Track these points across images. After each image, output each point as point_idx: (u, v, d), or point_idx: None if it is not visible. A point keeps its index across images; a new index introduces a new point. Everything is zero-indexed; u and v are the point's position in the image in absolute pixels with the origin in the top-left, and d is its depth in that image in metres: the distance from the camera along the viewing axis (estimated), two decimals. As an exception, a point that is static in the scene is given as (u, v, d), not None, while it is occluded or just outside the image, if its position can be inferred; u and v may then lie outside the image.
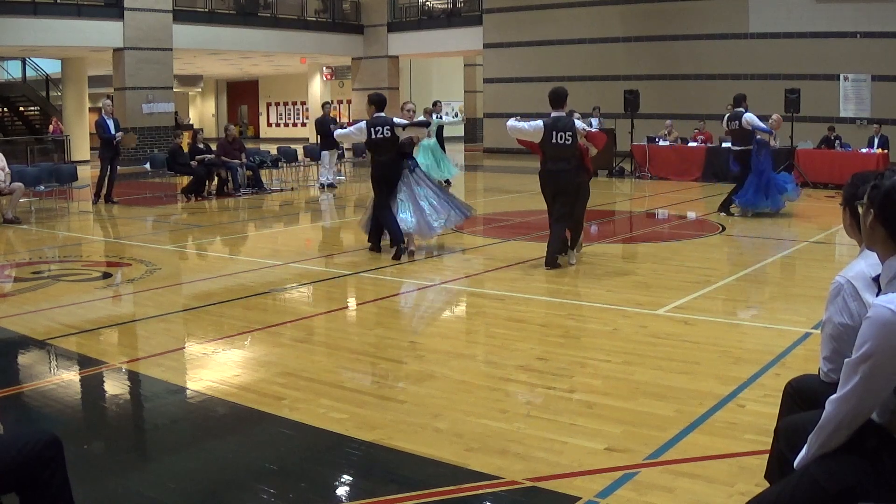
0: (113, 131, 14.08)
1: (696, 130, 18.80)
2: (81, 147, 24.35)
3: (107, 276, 8.39)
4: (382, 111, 9.03)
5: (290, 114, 42.91)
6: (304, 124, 39.03)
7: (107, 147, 14.15)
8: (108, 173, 14.24)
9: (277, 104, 43.43)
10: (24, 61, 27.21)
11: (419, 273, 8.26)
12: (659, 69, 23.15)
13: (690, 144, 18.23)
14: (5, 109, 26.91)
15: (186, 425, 4.37)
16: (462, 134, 32.48)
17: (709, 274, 7.90)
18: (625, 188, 16.95)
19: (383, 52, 30.35)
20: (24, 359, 5.60)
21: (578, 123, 8.35)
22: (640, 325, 6.02)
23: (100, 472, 3.65)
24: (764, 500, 2.36)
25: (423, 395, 4.60)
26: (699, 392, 4.54)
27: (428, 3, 31.25)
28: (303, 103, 39.28)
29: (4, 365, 5.50)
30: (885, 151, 16.03)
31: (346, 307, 7.16)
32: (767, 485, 2.81)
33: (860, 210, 2.38)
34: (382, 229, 8.98)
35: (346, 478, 3.67)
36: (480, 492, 3.42)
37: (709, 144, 17.98)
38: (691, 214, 12.91)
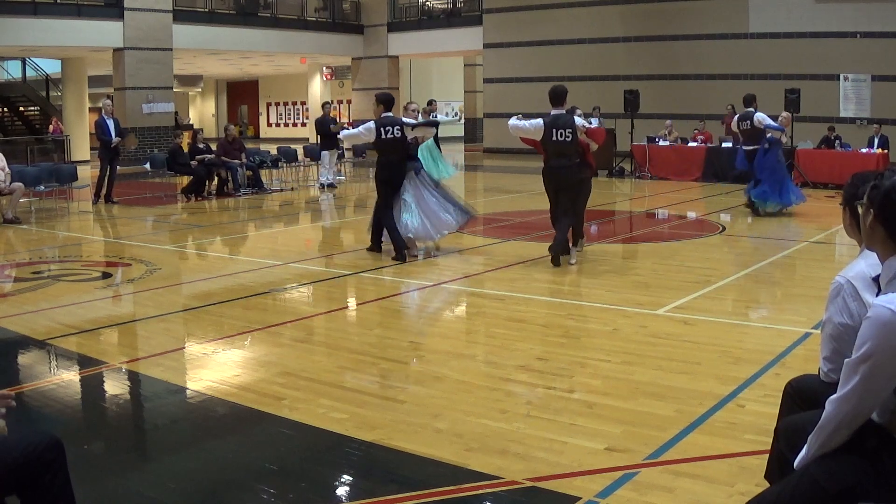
0: (113, 131, 14.09)
1: (696, 130, 18.80)
2: (81, 147, 24.35)
3: (107, 276, 8.39)
4: (391, 111, 8.88)
5: (290, 114, 42.92)
6: (304, 124, 39.04)
7: (106, 147, 14.16)
8: (108, 173, 14.24)
9: (277, 104, 43.43)
10: (24, 61, 27.21)
11: (419, 273, 8.26)
12: (659, 69, 23.16)
13: (690, 144, 18.23)
14: (5, 109, 26.92)
15: (186, 425, 4.37)
16: (462, 134, 32.49)
17: (709, 274, 7.90)
18: (625, 188, 16.95)
19: (383, 52, 30.35)
20: (24, 359, 5.60)
21: (578, 120, 8.44)
22: (640, 325, 6.02)
23: (100, 472, 3.65)
24: (764, 500, 2.36)
25: (423, 395, 4.60)
26: (699, 392, 4.54)
27: (428, 3, 31.26)
28: (303, 103, 39.28)
29: (4, 365, 5.50)
30: (885, 151, 16.03)
31: (346, 307, 7.16)
32: (767, 485, 2.82)
33: (860, 210, 2.38)
34: (383, 229, 8.96)
35: (346, 478, 3.67)
36: (480, 492, 3.42)
37: (709, 144, 17.99)
38: (691, 214, 12.91)
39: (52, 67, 27.41)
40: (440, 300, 7.47)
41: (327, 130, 16.66)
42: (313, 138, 19.83)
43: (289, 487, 3.49)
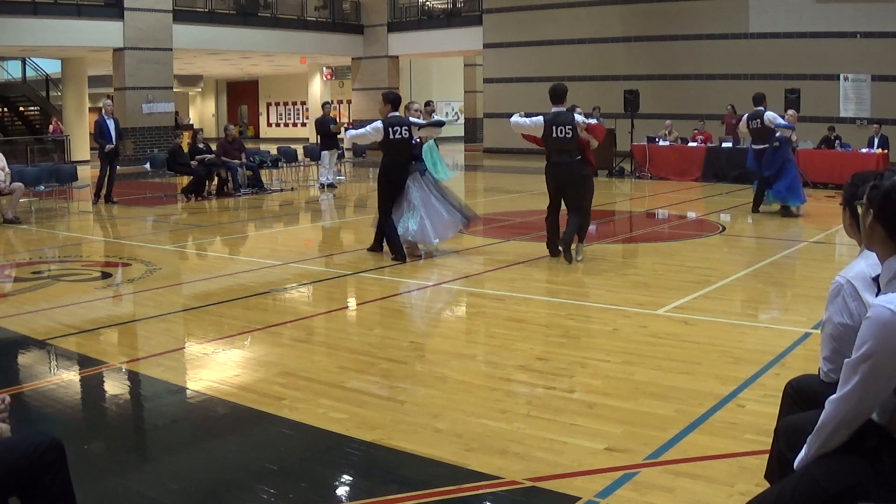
0: (113, 132, 14.08)
1: (696, 130, 18.80)
2: (81, 147, 24.36)
3: (107, 276, 8.39)
4: (397, 110, 8.77)
5: (290, 114, 42.92)
6: (304, 124, 39.04)
7: (104, 148, 14.15)
8: (108, 173, 14.24)
9: (277, 104, 43.43)
10: (24, 61, 27.21)
11: (419, 273, 8.26)
12: (659, 69, 23.16)
13: (690, 144, 18.23)
14: (5, 109, 26.92)
15: (186, 425, 4.37)
16: (462, 134, 32.50)
17: (709, 274, 7.90)
18: (625, 188, 16.95)
19: (383, 52, 30.36)
20: (24, 359, 5.60)
21: (579, 117, 8.51)
22: (641, 325, 6.02)
23: (100, 472, 3.65)
24: (764, 500, 2.36)
25: (423, 395, 4.61)
26: (699, 392, 4.54)
27: (428, 3, 31.26)
28: (303, 103, 39.28)
29: (4, 365, 5.50)
30: (885, 151, 16.03)
31: (346, 307, 7.16)
32: (767, 485, 2.82)
33: (860, 210, 2.38)
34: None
35: (346, 478, 3.67)
36: (480, 492, 3.42)
37: (709, 144, 17.99)
38: (691, 214, 12.91)
39: (52, 67, 27.41)
40: (440, 300, 7.47)
41: (327, 130, 16.66)
42: (313, 138, 19.83)
43: (289, 487, 3.49)
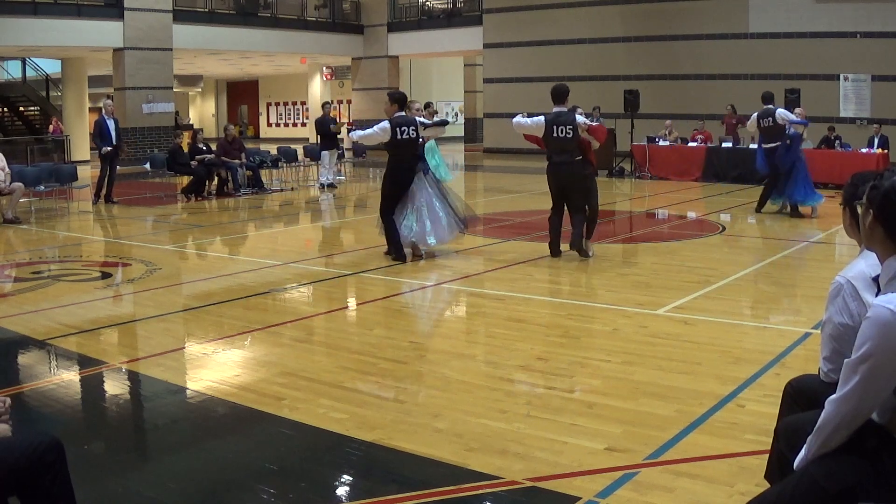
0: (113, 132, 14.09)
1: (696, 130, 18.79)
2: (81, 147, 24.35)
3: (107, 276, 8.39)
4: (403, 110, 8.68)
5: (290, 114, 42.92)
6: (304, 124, 39.03)
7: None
8: (108, 173, 14.24)
9: (277, 104, 43.43)
10: (24, 61, 27.21)
11: (419, 273, 8.26)
12: (659, 69, 23.16)
13: (690, 144, 18.23)
14: (5, 109, 26.91)
15: (186, 425, 4.37)
16: (462, 134, 32.48)
17: (709, 274, 7.90)
18: (625, 188, 16.95)
19: (383, 52, 30.36)
20: (24, 359, 5.60)
21: (580, 118, 8.53)
22: (641, 325, 6.02)
23: (100, 472, 3.65)
24: (764, 500, 2.36)
25: (423, 395, 4.61)
26: (699, 392, 4.54)
27: (428, 3, 31.26)
28: (303, 103, 39.28)
29: (4, 365, 5.50)
30: (885, 151, 16.03)
31: (346, 307, 7.16)
32: (767, 485, 2.82)
33: (860, 210, 2.38)
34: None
35: (346, 478, 3.67)
36: (480, 492, 3.42)
37: (709, 144, 17.98)
38: (691, 214, 12.91)
39: (52, 67, 27.41)
40: (440, 300, 7.47)
41: (327, 130, 16.66)
42: (313, 138, 19.84)
43: (289, 487, 3.49)
